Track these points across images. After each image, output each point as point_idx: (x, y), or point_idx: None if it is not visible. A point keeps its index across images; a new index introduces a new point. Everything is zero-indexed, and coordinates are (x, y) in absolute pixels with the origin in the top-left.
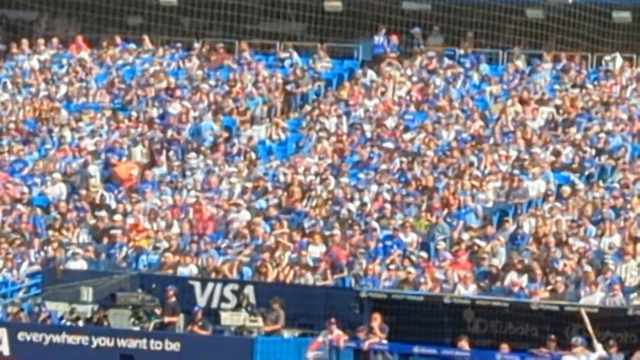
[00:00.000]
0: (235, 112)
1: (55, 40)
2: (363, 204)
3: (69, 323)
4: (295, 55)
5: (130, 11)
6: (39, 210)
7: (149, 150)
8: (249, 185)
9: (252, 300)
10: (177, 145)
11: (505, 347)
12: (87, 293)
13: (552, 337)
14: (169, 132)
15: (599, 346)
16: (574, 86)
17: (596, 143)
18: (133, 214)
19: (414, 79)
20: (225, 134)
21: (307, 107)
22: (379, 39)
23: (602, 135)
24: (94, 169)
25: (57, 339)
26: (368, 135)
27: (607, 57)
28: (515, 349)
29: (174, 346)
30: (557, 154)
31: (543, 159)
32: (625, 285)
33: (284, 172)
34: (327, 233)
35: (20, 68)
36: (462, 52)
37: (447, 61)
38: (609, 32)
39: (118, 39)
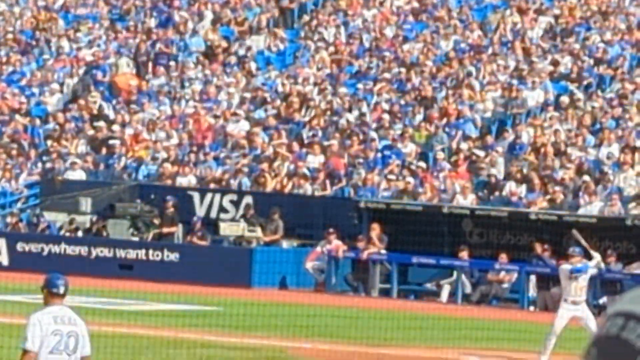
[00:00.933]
0: (233, 23)
1: None
2: (362, 114)
3: (67, 233)
4: None
5: None
6: (37, 121)
7: (145, 60)
8: (248, 95)
9: (251, 210)
10: (174, 56)
11: (503, 257)
12: (86, 203)
13: (550, 246)
14: (165, 43)
15: (596, 254)
16: None
17: (595, 53)
18: (131, 124)
19: None
20: (224, 44)
21: (306, 17)
22: None
23: (601, 44)
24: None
25: (55, 249)
26: (366, 45)
27: None
28: (513, 259)
29: (173, 256)
30: (555, 63)
31: (541, 69)
32: (624, 194)
33: (283, 83)
34: (325, 143)
35: None
36: None
37: None
38: None
39: None
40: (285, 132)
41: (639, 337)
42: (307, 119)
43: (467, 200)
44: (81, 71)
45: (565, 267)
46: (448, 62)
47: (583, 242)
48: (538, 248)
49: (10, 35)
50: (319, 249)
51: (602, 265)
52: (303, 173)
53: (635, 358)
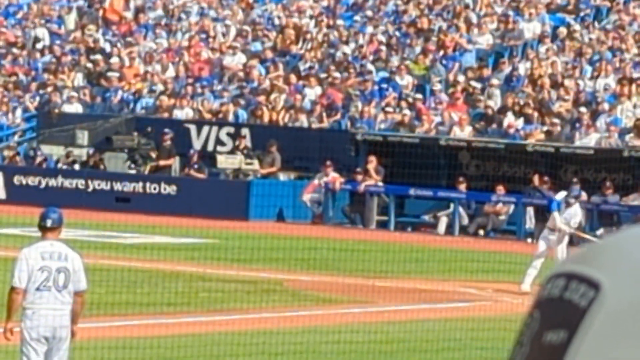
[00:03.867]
0: None
1: None
2: (359, 46)
3: (64, 166)
4: None
5: None
6: (36, 54)
7: None
8: (245, 28)
9: (248, 143)
10: None
11: (500, 189)
12: (83, 136)
13: (547, 178)
14: None
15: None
16: None
17: None
18: (128, 57)
19: None
20: None
21: None
22: None
23: None
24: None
25: (52, 182)
26: None
27: None
28: (510, 191)
29: (170, 189)
30: None
31: (538, 1)
32: (621, 126)
33: (279, 15)
34: (322, 76)
35: None
36: None
37: None
38: None
39: None
40: (282, 64)
41: (583, 296)
42: (303, 51)
43: (464, 133)
44: (78, 4)
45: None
46: None
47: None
48: (536, 180)
49: None
50: (316, 181)
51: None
52: (300, 106)
53: (581, 318)
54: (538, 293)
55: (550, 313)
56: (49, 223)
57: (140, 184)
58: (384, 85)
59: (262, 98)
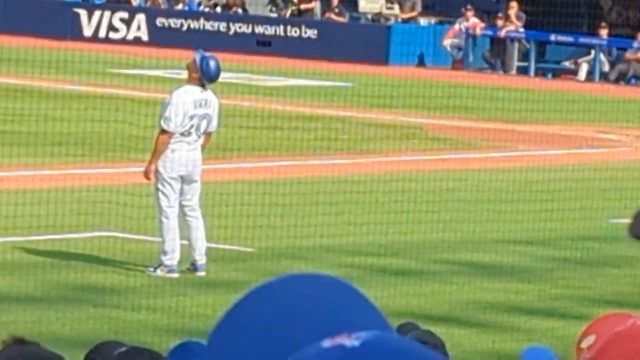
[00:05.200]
0: None
1: None
2: None
3: (206, 9)
4: None
5: None
6: None
7: None
8: None
9: None
10: None
11: None
12: None
13: None
14: None
15: None
16: None
17: None
18: None
19: None
20: None
21: None
22: None
23: None
24: None
25: (194, 25)
26: None
27: None
28: None
29: (311, 33)
30: None
31: None
32: None
33: None
34: None
35: None
36: None
37: None
38: None
39: None
40: None
41: None
42: None
43: None
44: None
45: None
46: None
47: None
48: None
49: None
50: (457, 26)
51: None
52: None
53: None
54: None
55: None
56: (212, 77)
57: (282, 27)
58: None
59: None
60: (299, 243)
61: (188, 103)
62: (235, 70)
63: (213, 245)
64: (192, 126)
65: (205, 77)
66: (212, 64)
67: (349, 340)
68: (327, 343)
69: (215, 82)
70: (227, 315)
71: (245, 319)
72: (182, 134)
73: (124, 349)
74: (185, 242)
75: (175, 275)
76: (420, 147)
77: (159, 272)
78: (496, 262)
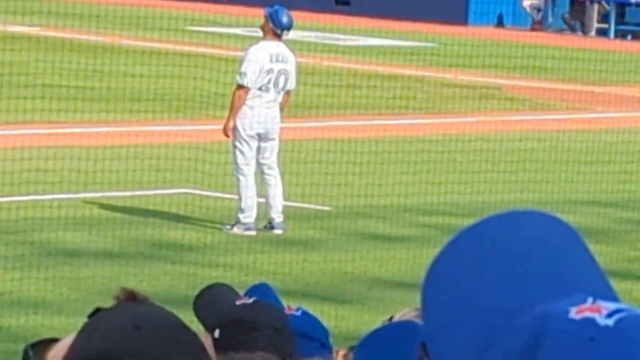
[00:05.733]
0: None
1: None
2: None
3: None
4: None
5: None
6: None
7: None
8: None
9: None
10: None
11: None
12: None
13: None
14: None
15: None
16: None
17: None
18: None
19: None
20: None
21: None
22: None
23: None
24: None
25: None
26: None
27: None
28: None
29: None
30: None
31: None
32: None
33: None
34: None
35: None
36: None
37: None
38: None
39: None
40: None
41: None
42: None
43: None
44: None
45: None
46: None
47: None
48: None
49: None
50: None
51: None
52: None
53: None
54: None
55: None
56: (284, 32)
57: None
58: None
59: None
60: (375, 202)
61: (264, 57)
62: (314, 29)
63: (290, 203)
64: (269, 81)
65: (277, 26)
66: (280, 12)
67: (599, 316)
68: (573, 313)
69: (289, 30)
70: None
71: (459, 265)
72: (259, 89)
73: (250, 301)
74: (262, 199)
75: (252, 232)
76: (498, 108)
77: (236, 229)
78: (574, 223)
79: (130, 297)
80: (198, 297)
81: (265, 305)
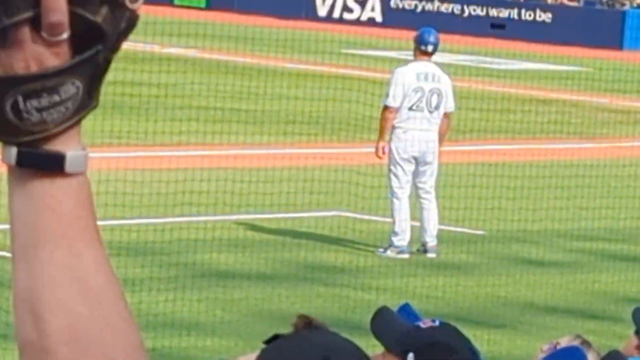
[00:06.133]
0: None
1: None
2: None
3: None
4: None
5: None
6: None
7: None
8: None
9: None
10: None
11: None
12: None
13: None
14: None
15: None
16: None
17: None
18: None
19: None
20: None
21: None
22: None
23: None
24: None
25: (429, 6)
26: None
27: None
28: None
29: (545, 17)
30: None
31: None
32: None
33: None
34: None
35: None
36: None
37: None
38: None
39: None
40: None
41: None
42: None
43: None
44: None
45: None
46: None
47: None
48: None
49: None
50: None
51: None
52: None
53: None
54: None
55: None
56: (429, 48)
57: (516, 10)
58: None
59: None
60: (529, 227)
61: (410, 76)
62: (469, 52)
63: (444, 227)
64: (419, 99)
65: (421, 43)
66: (426, 32)
67: None
68: None
69: (434, 47)
70: None
71: None
72: (410, 109)
73: (436, 323)
74: (416, 223)
75: (406, 256)
76: None
77: (389, 252)
78: None
79: (308, 324)
80: (374, 319)
81: (452, 327)
